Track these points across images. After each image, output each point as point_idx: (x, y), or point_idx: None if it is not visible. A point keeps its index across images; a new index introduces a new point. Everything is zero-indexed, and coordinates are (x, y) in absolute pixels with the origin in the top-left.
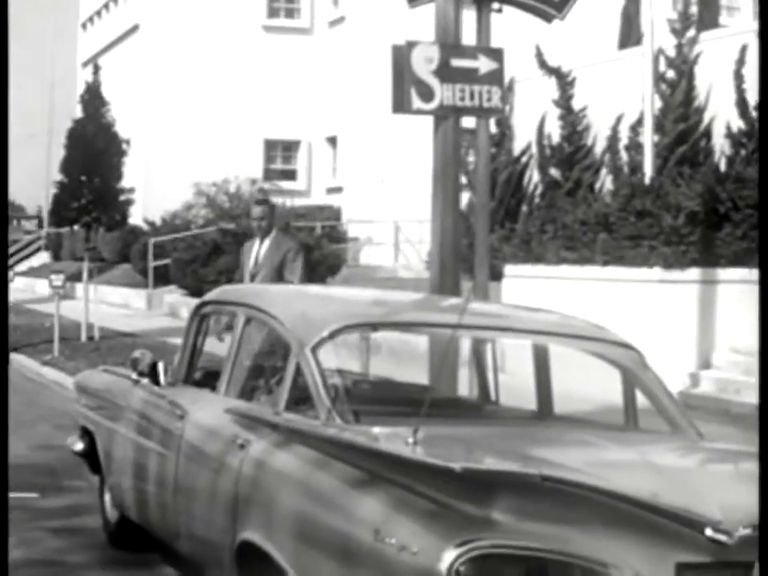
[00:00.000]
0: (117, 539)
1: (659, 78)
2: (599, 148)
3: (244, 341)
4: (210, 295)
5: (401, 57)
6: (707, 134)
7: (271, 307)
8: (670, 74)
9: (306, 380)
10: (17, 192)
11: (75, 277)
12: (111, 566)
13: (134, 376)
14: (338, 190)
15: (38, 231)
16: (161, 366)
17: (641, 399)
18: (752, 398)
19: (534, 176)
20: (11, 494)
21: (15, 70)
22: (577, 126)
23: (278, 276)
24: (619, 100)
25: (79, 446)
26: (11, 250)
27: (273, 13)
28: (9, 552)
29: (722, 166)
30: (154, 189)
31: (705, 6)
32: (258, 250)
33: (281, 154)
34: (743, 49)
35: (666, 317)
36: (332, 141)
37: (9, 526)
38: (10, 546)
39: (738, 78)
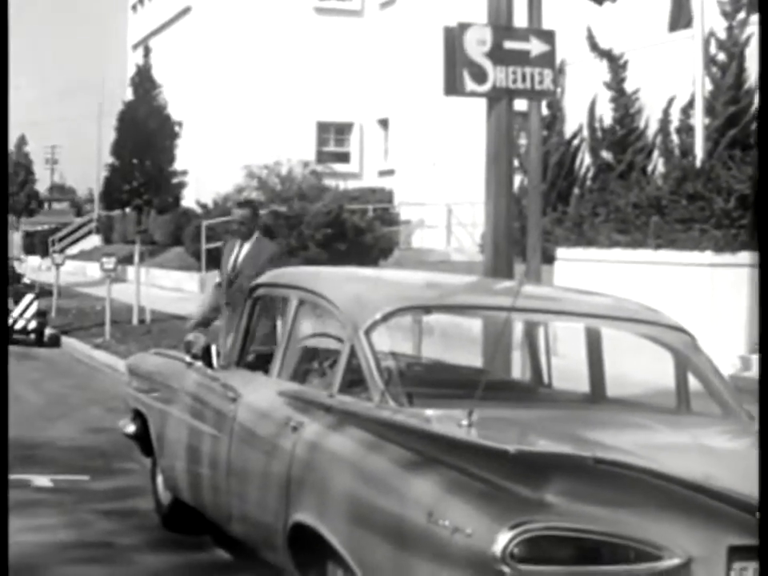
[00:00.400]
0: (169, 521)
1: (710, 60)
2: (651, 131)
3: (297, 323)
4: (263, 278)
5: (453, 39)
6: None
7: (325, 290)
8: (721, 56)
9: (360, 362)
10: (68, 175)
11: (127, 260)
12: (163, 548)
13: (188, 359)
14: (390, 172)
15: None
16: (214, 349)
17: (693, 382)
18: None
19: (585, 159)
20: (61, 477)
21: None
22: (629, 108)
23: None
24: (670, 83)
25: (131, 428)
26: (63, 233)
27: None
28: (58, 534)
29: None
30: (207, 171)
31: None
32: (237, 253)
33: (333, 137)
34: None
35: (717, 300)
36: (383, 123)
37: (8, 525)
38: (61, 528)
39: None
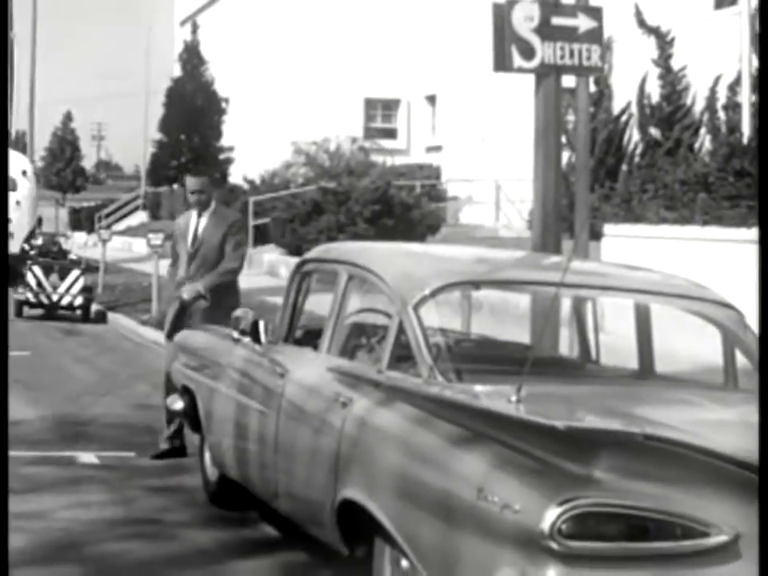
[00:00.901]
0: (216, 498)
1: (756, 37)
2: (698, 107)
3: (345, 299)
4: (311, 253)
5: (501, 15)
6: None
7: (373, 265)
8: None
9: (408, 338)
10: (115, 152)
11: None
12: (210, 524)
13: (236, 335)
14: (438, 148)
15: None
16: (262, 325)
17: (741, 359)
18: None
19: (633, 135)
20: (108, 453)
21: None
22: (676, 85)
23: (220, 254)
24: (717, 59)
25: (179, 405)
26: (111, 208)
27: None
28: (104, 511)
29: None
30: (254, 148)
31: None
32: (196, 225)
33: (380, 113)
34: None
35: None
36: (431, 99)
37: (8, 525)
38: (108, 505)
39: None
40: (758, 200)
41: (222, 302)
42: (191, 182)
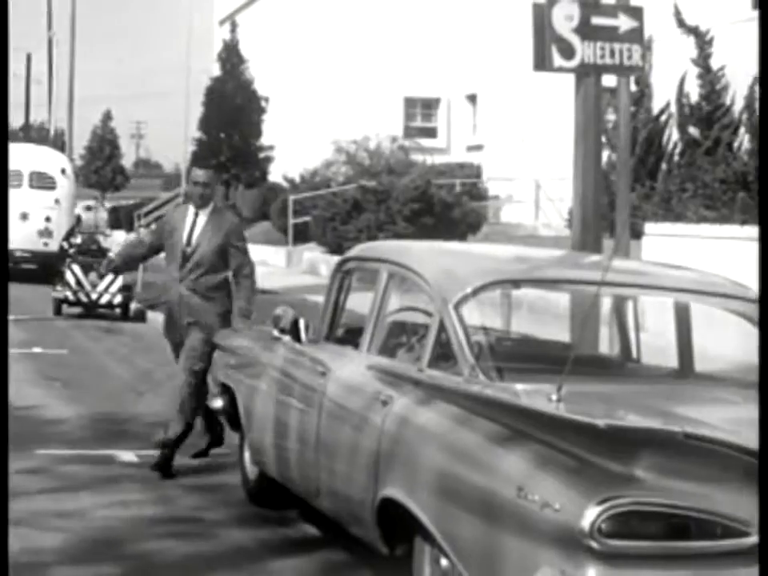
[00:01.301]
0: (256, 496)
1: None
2: (737, 107)
3: (386, 297)
4: (352, 252)
5: (541, 14)
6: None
7: (415, 264)
8: None
9: (449, 337)
10: (155, 150)
11: None
12: (250, 523)
13: (276, 333)
14: (478, 147)
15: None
16: (302, 323)
17: None
18: None
19: (673, 134)
20: (148, 452)
21: (151, 29)
22: (715, 85)
23: (219, 260)
24: (756, 59)
25: (219, 403)
26: (150, 206)
27: None
28: (144, 510)
29: None
30: (294, 146)
31: None
32: (192, 224)
33: (421, 112)
34: None
35: None
36: (471, 98)
37: (8, 525)
38: (147, 503)
39: None
40: (758, 199)
41: (217, 306)
42: (198, 173)
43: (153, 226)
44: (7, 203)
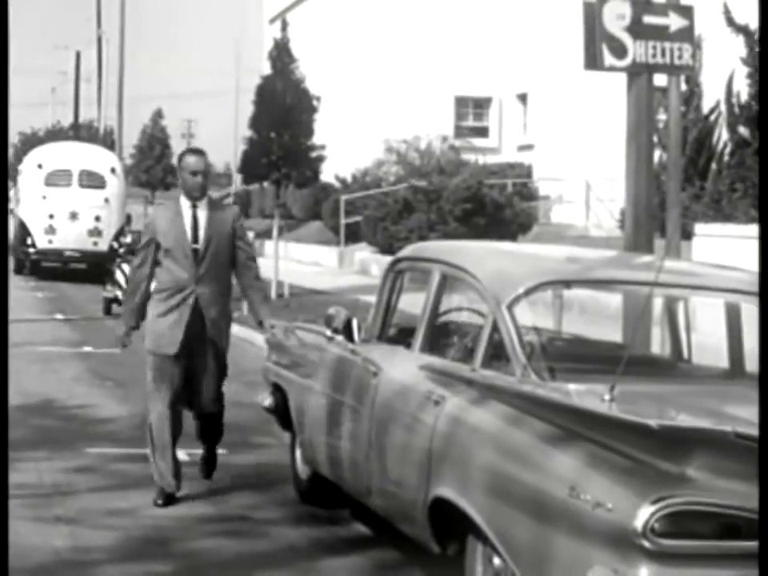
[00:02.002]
0: (307, 495)
1: None
2: None
3: (438, 297)
4: (404, 252)
5: (592, 13)
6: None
7: (467, 264)
8: None
9: (502, 337)
10: (205, 149)
11: (265, 234)
12: (301, 522)
13: (328, 333)
14: (529, 147)
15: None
16: (355, 323)
17: None
18: None
19: (723, 134)
20: (199, 450)
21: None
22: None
23: (229, 253)
24: None
25: (270, 402)
26: None
27: None
28: (195, 508)
29: None
30: (345, 146)
31: None
32: (193, 221)
33: (472, 111)
34: None
35: None
36: (522, 98)
37: (8, 524)
38: (198, 502)
39: None
40: (758, 198)
41: (227, 316)
42: (193, 160)
43: (135, 258)
44: (7, 203)
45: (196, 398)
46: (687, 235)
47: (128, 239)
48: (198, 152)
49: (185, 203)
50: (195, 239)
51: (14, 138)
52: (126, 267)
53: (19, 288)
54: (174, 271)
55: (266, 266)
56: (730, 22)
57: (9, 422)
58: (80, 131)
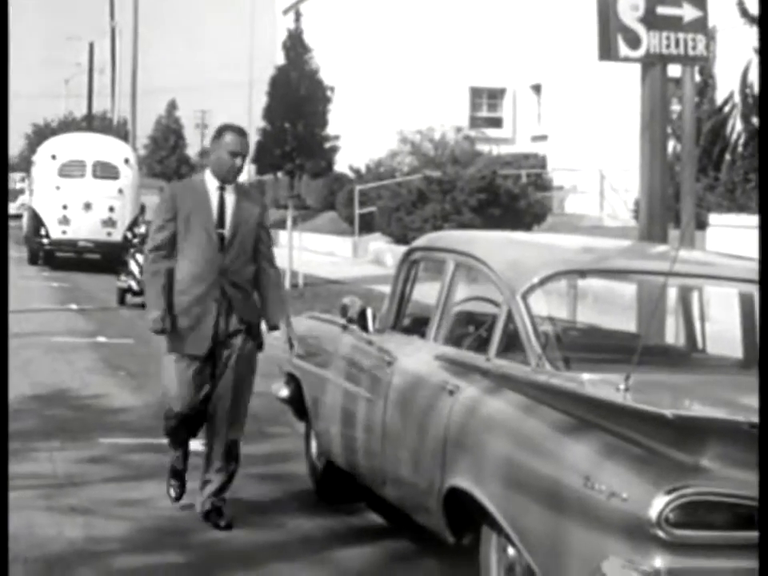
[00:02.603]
0: (323, 485)
1: None
2: None
3: (453, 287)
4: (418, 242)
5: (606, 4)
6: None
7: (482, 254)
8: None
9: (517, 326)
10: None
11: (279, 224)
12: (316, 512)
13: (343, 322)
14: (543, 137)
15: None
16: (370, 313)
17: None
18: None
19: (737, 125)
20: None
21: (215, 18)
22: None
23: (254, 242)
24: None
25: (285, 392)
26: None
27: None
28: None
29: None
30: (359, 136)
31: None
32: (221, 203)
33: (486, 102)
34: None
35: None
36: (536, 88)
37: (8, 524)
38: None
39: None
40: (758, 193)
41: (255, 306)
42: (235, 139)
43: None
44: (7, 203)
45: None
46: (701, 225)
47: (142, 229)
48: (241, 132)
49: (211, 183)
50: (221, 224)
51: (27, 129)
52: (139, 257)
53: (33, 278)
54: (195, 259)
55: (280, 256)
56: (744, 12)
57: (22, 412)
58: (93, 122)
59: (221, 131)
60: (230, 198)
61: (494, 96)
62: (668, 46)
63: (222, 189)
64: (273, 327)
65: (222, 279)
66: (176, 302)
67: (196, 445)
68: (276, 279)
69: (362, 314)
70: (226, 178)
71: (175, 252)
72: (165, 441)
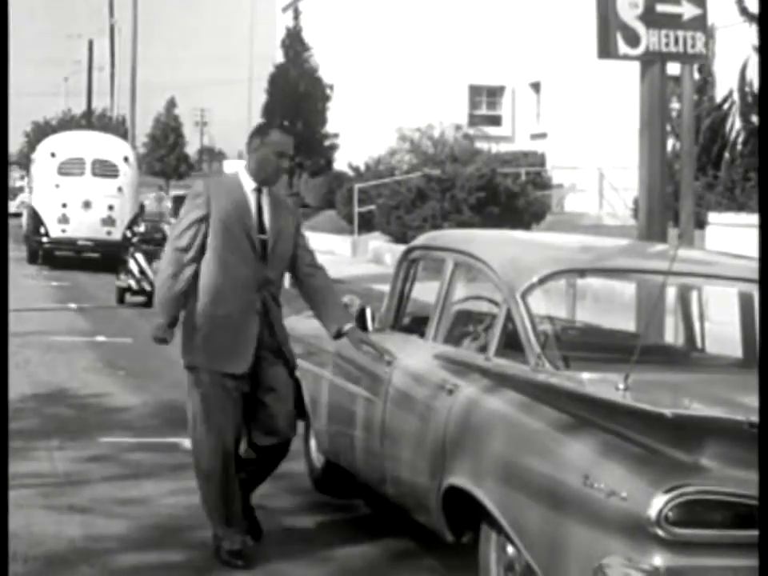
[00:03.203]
0: (322, 484)
1: None
2: None
3: (452, 286)
4: (418, 240)
5: (606, 2)
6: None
7: (481, 253)
8: None
9: (516, 326)
10: (218, 138)
11: None
12: (316, 510)
13: None
14: (542, 135)
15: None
16: (369, 312)
17: None
18: None
19: (736, 123)
20: None
21: (214, 16)
22: None
23: (294, 247)
24: None
25: None
26: None
27: None
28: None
29: None
30: (359, 134)
31: None
32: (258, 208)
33: (485, 100)
34: None
35: None
36: (536, 86)
37: (8, 524)
38: None
39: None
40: (758, 195)
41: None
42: (284, 139)
43: (182, 229)
44: (7, 203)
45: (263, 424)
46: (701, 224)
47: (141, 228)
48: (288, 131)
49: (248, 185)
50: (261, 229)
51: (27, 127)
52: (139, 256)
53: (32, 277)
54: (232, 265)
55: None
56: (743, 11)
57: (22, 412)
58: (92, 120)
59: (265, 129)
60: (266, 202)
61: (494, 94)
62: (667, 44)
63: (258, 191)
64: (338, 335)
65: (264, 291)
66: (204, 312)
67: None
68: (328, 280)
69: (362, 314)
70: (269, 179)
71: (201, 256)
72: (164, 440)
